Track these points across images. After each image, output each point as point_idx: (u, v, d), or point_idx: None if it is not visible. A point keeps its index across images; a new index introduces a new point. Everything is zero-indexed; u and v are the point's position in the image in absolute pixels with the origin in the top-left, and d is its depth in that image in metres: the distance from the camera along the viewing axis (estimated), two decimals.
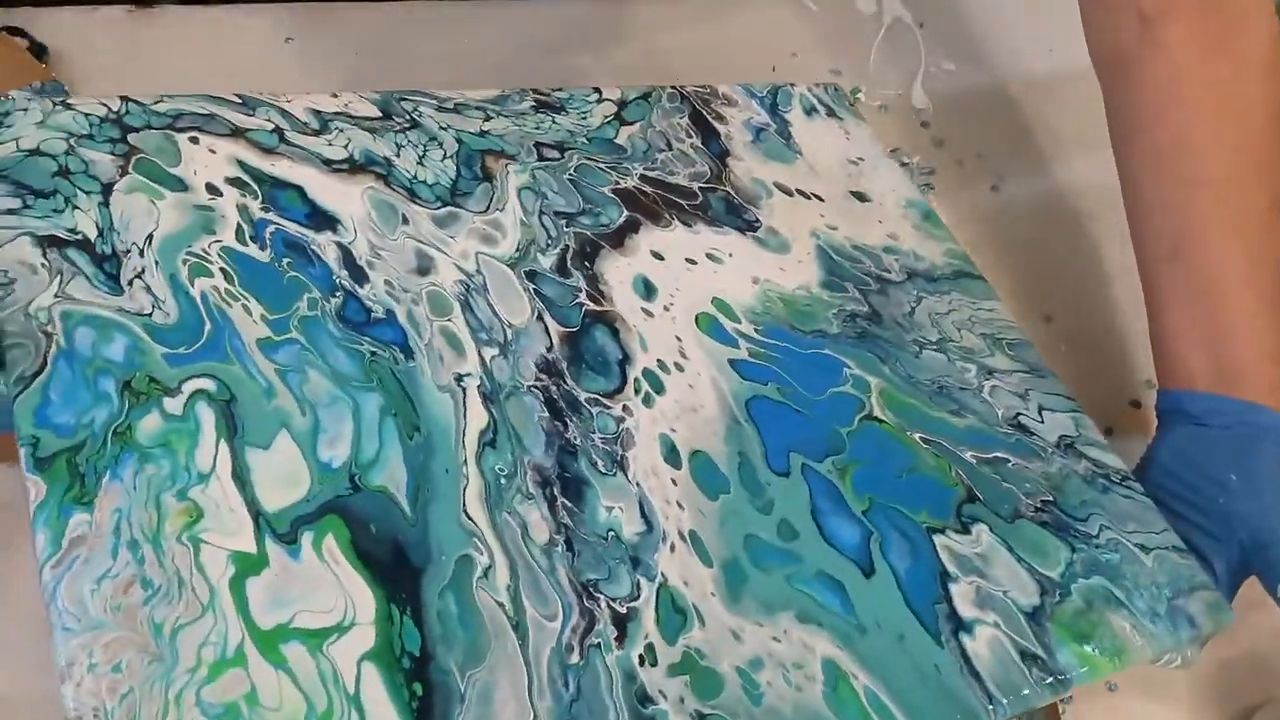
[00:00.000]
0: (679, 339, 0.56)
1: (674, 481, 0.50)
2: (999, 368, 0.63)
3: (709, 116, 0.68)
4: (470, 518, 0.47)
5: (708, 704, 0.44)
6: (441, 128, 0.61)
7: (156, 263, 0.51)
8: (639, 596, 0.46)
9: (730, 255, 0.61)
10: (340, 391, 0.49)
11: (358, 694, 0.41)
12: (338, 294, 0.52)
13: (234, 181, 0.55)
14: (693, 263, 0.60)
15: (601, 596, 0.46)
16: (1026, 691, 0.48)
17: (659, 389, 0.54)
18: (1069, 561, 0.54)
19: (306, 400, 0.48)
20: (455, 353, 0.52)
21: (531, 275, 0.56)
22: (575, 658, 0.44)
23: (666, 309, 0.57)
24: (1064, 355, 0.77)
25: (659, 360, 0.55)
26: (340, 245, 0.54)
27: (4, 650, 0.64)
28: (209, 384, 0.48)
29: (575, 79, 0.76)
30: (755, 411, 0.54)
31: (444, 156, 0.59)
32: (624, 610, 0.46)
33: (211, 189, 0.54)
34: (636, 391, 0.53)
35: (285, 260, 0.52)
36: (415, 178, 0.58)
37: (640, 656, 0.45)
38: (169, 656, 0.42)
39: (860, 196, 0.69)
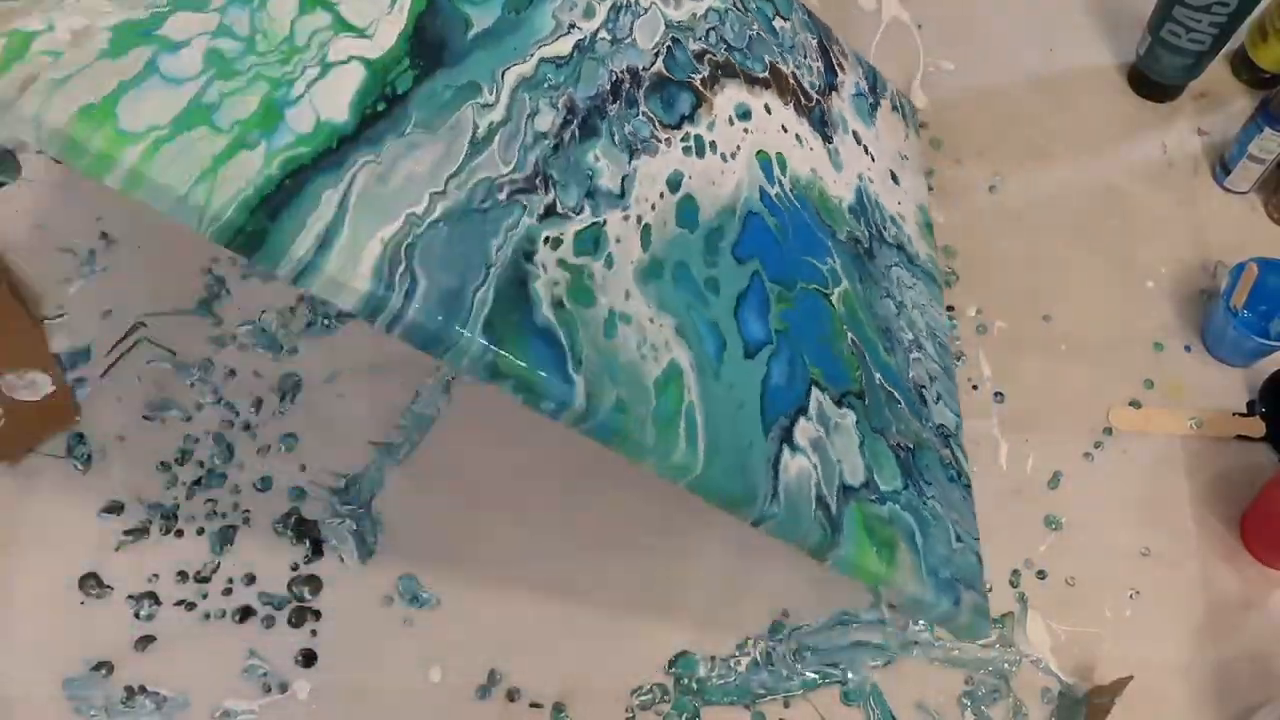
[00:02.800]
0: (738, 148, 0.63)
1: (660, 195, 0.57)
2: (927, 351, 0.69)
3: (832, 55, 0.78)
4: (502, 76, 0.53)
5: (572, 301, 0.48)
6: None
7: None
8: (579, 213, 0.52)
9: (810, 147, 0.70)
10: None
11: (329, 65, 0.46)
12: None
13: None
14: (784, 130, 0.68)
15: (554, 190, 0.51)
16: (804, 520, 0.52)
17: (700, 151, 0.60)
18: (898, 489, 0.59)
19: None
20: (584, 16, 0.59)
21: (676, 41, 0.63)
22: (502, 196, 0.49)
23: (746, 131, 0.64)
24: (1064, 355, 0.77)
25: (714, 141, 0.62)
26: None
27: (4, 650, 0.64)
28: None
29: None
30: (750, 220, 0.61)
31: None
32: (560, 210, 0.51)
33: None
34: (683, 140, 0.60)
35: None
36: None
37: (548, 237, 0.50)
38: None
39: (894, 178, 0.77)
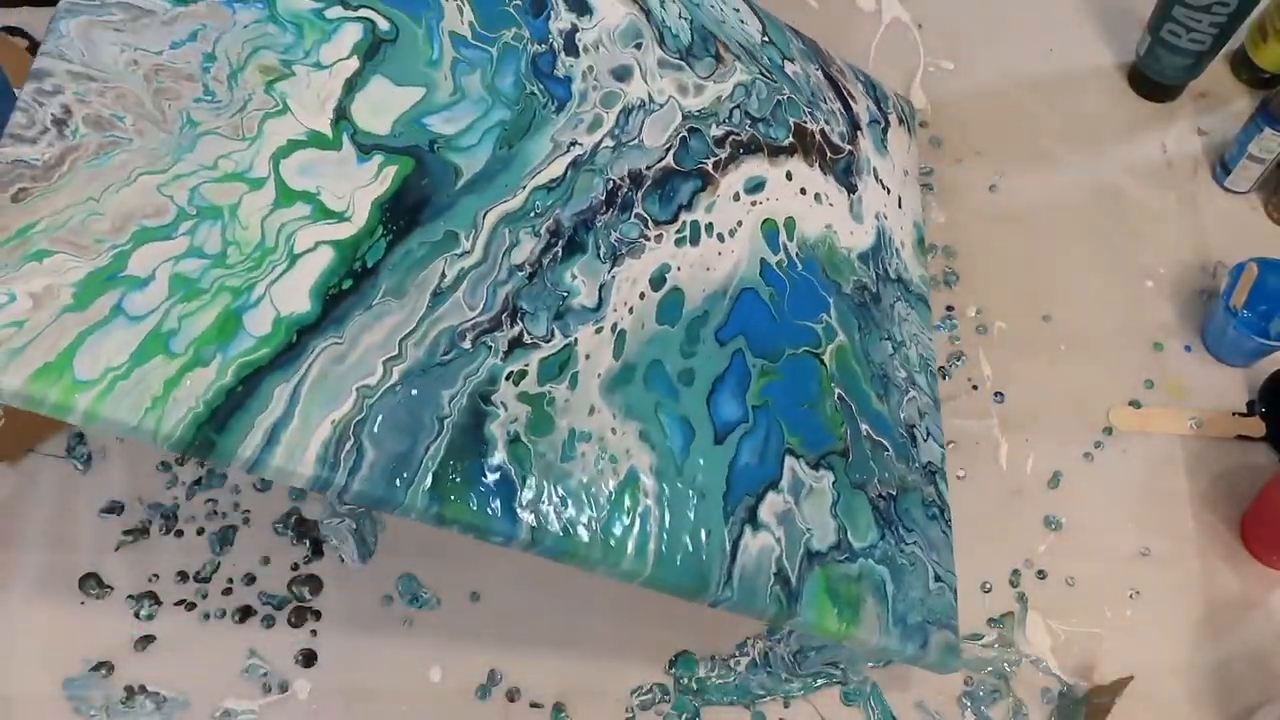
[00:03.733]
0: (739, 224, 0.65)
1: (642, 295, 0.59)
2: (919, 385, 0.70)
3: (840, 86, 0.78)
4: (484, 218, 0.55)
5: (529, 435, 0.51)
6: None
7: None
8: (547, 341, 0.54)
9: (831, 203, 0.71)
10: (486, 96, 0.59)
11: (296, 257, 0.49)
12: (544, 44, 0.62)
13: None
14: (803, 192, 0.70)
15: (521, 324, 0.54)
16: (759, 598, 0.55)
17: (695, 239, 0.62)
18: (874, 543, 0.61)
19: (458, 85, 0.58)
20: (588, 130, 0.61)
21: (693, 130, 0.65)
22: (466, 344, 0.51)
23: (753, 204, 0.66)
24: (1064, 355, 0.77)
25: (712, 224, 0.63)
26: (575, 26, 0.64)
27: (4, 650, 0.64)
28: (384, 23, 0.57)
29: None
30: (743, 296, 0.63)
31: (679, 16, 0.70)
32: (526, 340, 0.53)
33: None
34: (678, 231, 0.62)
35: (519, 2, 0.62)
36: (666, 24, 0.68)
37: (511, 373, 0.52)
38: (184, 144, 0.49)
39: (900, 203, 0.78)
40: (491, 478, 0.49)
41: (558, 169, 0.59)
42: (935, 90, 0.88)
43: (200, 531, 0.67)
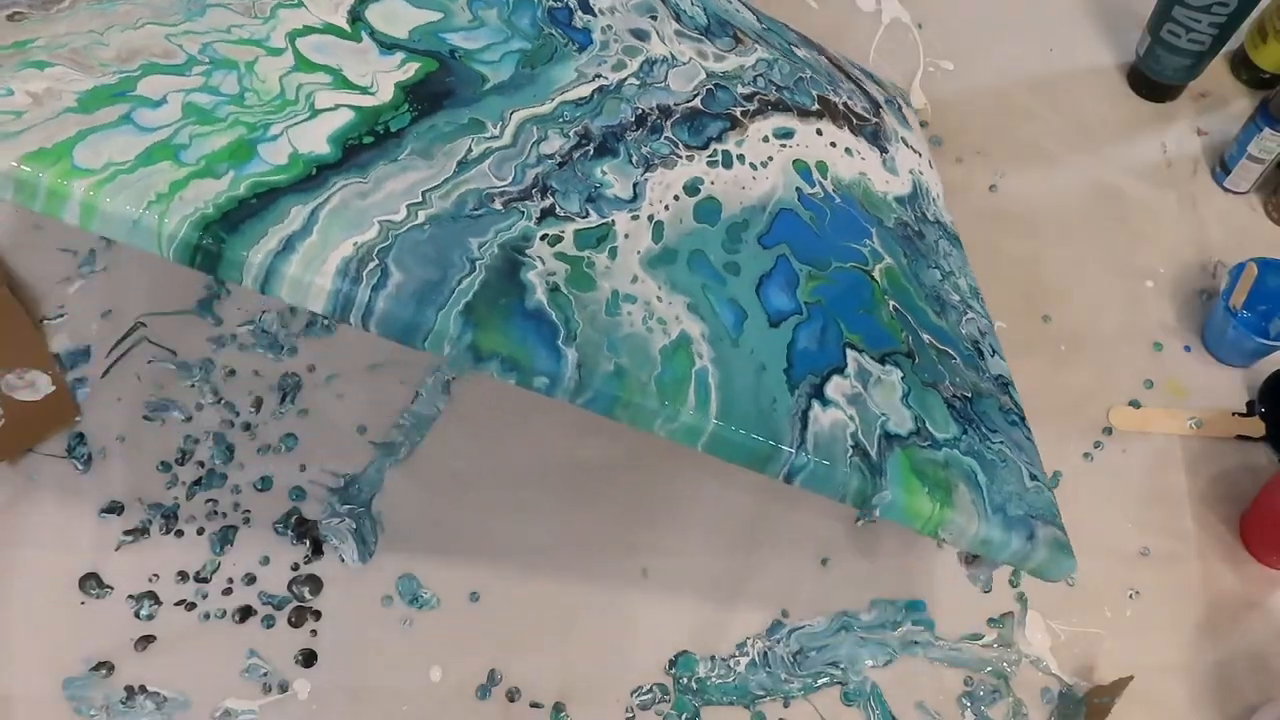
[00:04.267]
0: (770, 158, 0.64)
1: (676, 198, 0.57)
2: (974, 309, 0.69)
3: (849, 74, 0.79)
4: (512, 114, 0.54)
5: (569, 288, 0.48)
6: None
7: None
8: (583, 216, 0.51)
9: (863, 157, 0.71)
10: (504, 28, 0.58)
11: (317, 112, 0.47)
12: (560, 0, 0.61)
13: None
14: (833, 145, 0.69)
15: (552, 199, 0.51)
16: (839, 467, 0.50)
17: (727, 163, 0.61)
18: (955, 436, 0.56)
19: (476, 15, 0.57)
20: (612, 69, 0.60)
21: (719, 86, 0.65)
22: (496, 205, 0.49)
23: (782, 146, 0.65)
24: (1064, 355, 0.77)
25: (743, 155, 0.62)
26: None
27: (4, 650, 0.64)
28: None
29: None
30: (780, 215, 0.61)
31: (691, 2, 0.70)
32: (560, 212, 0.51)
33: None
34: (710, 155, 0.61)
35: None
36: (680, 6, 0.68)
37: (546, 235, 0.49)
38: (193, 9, 0.48)
39: (930, 165, 0.79)
40: (532, 313, 0.46)
41: (584, 91, 0.58)
42: (935, 90, 0.88)
43: (200, 531, 0.67)
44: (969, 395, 0.60)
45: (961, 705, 0.66)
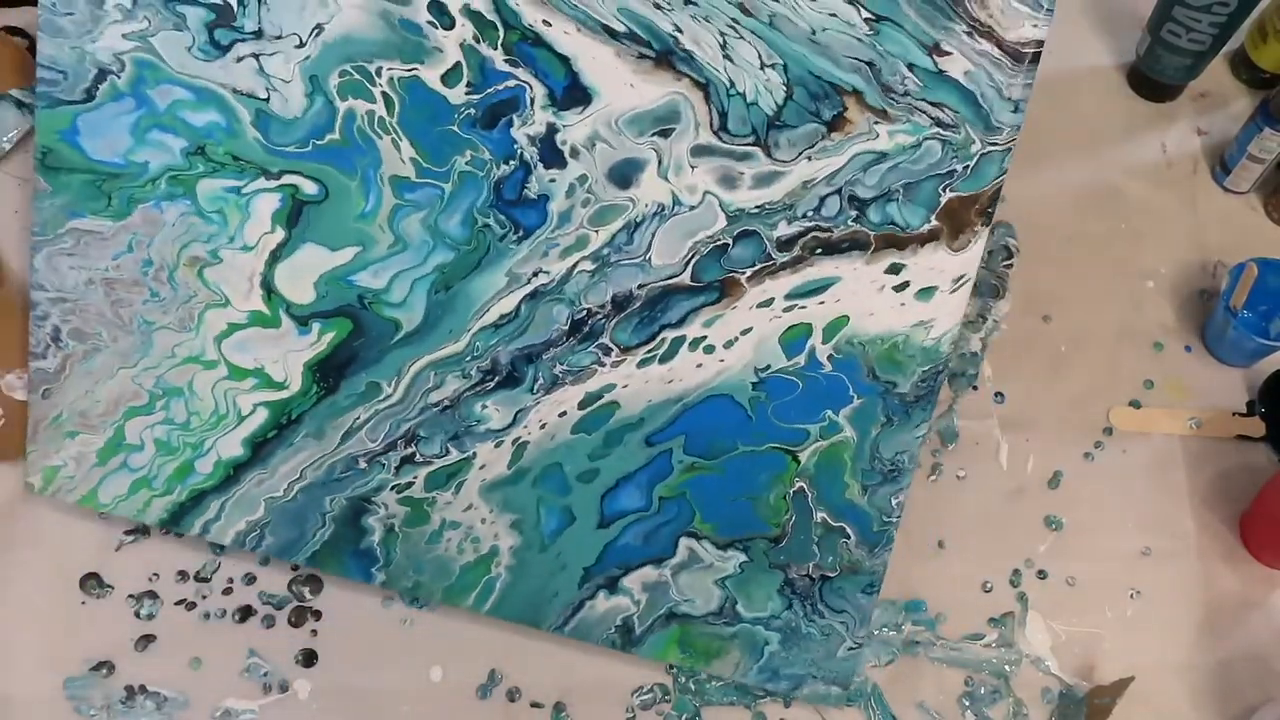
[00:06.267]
0: (743, 333, 0.55)
1: (562, 414, 0.57)
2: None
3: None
4: (410, 366, 0.58)
5: (403, 527, 0.60)
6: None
7: (307, 57, 0.55)
8: (440, 457, 0.59)
9: (901, 304, 0.56)
10: (428, 239, 0.57)
11: (243, 418, 0.61)
12: (510, 163, 0.54)
13: (475, 17, 0.53)
14: (881, 290, 0.55)
15: (414, 447, 0.59)
16: (593, 639, 0.59)
17: (668, 356, 0.56)
18: (772, 614, 0.61)
19: (399, 234, 0.57)
20: (562, 254, 0.55)
21: (742, 235, 0.53)
22: (361, 464, 0.59)
23: (785, 312, 0.55)
24: (1064, 355, 0.77)
25: (701, 338, 0.55)
26: (552, 124, 0.53)
27: (4, 650, 0.64)
28: (310, 185, 0.57)
29: None
30: (706, 403, 0.56)
31: (762, 64, 0.51)
32: (418, 458, 0.59)
33: (439, 10, 0.53)
34: (650, 351, 0.56)
35: (468, 112, 0.54)
36: (734, 93, 0.51)
37: (396, 485, 0.59)
38: (144, 342, 0.61)
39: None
40: (362, 552, 0.60)
41: (508, 305, 0.56)
42: None
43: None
44: (830, 575, 0.61)
45: (962, 705, 0.66)
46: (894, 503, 0.61)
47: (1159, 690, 0.66)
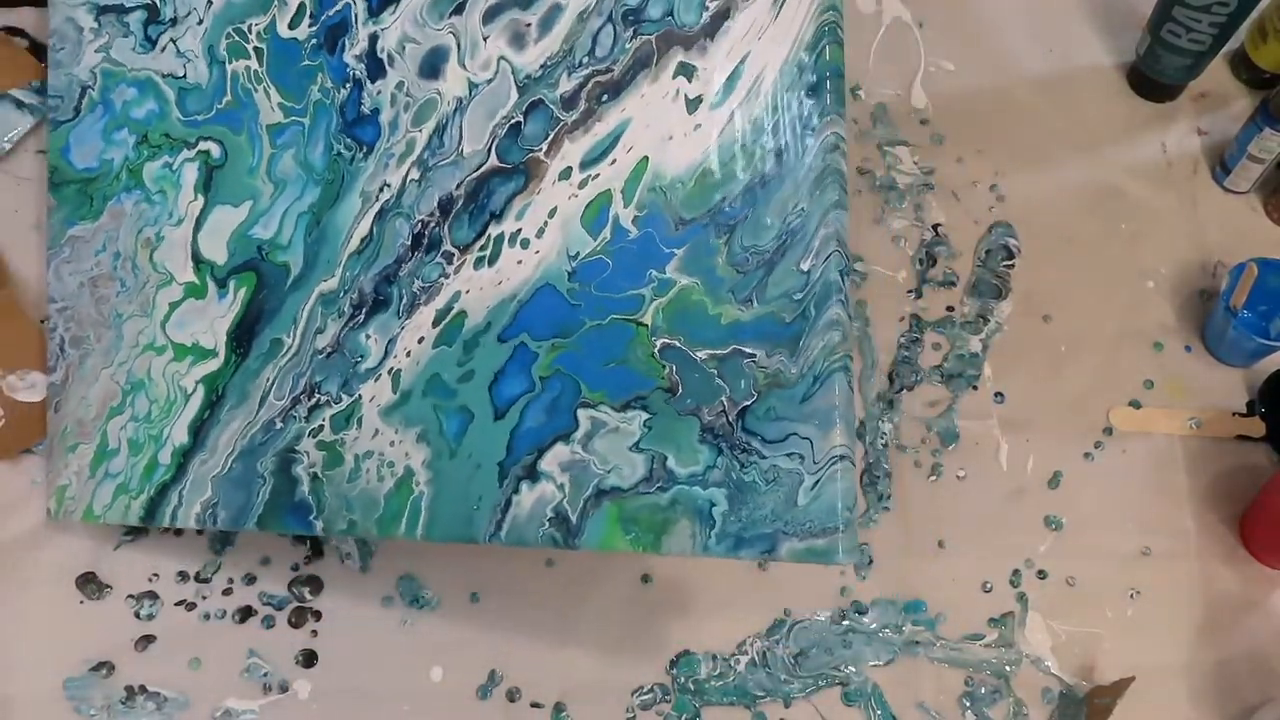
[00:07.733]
0: (550, 216, 0.58)
1: (420, 339, 0.60)
2: (826, 252, 0.56)
3: None
4: (304, 310, 0.61)
5: (324, 471, 0.60)
6: None
7: (205, 30, 0.64)
8: (338, 401, 0.61)
9: (697, 125, 0.57)
10: (302, 175, 0.62)
11: (188, 398, 0.63)
12: (347, 85, 0.61)
13: None
14: (673, 99, 0.57)
15: (317, 395, 0.61)
16: (529, 540, 0.56)
17: (495, 259, 0.59)
18: (704, 468, 0.55)
19: (277, 180, 0.62)
20: (398, 163, 0.60)
21: (532, 106, 0.58)
22: (278, 425, 0.61)
23: (585, 182, 0.57)
24: (1064, 355, 0.77)
25: (517, 232, 0.59)
26: (373, 35, 0.60)
27: (4, 650, 0.64)
28: (215, 148, 0.64)
29: None
30: (536, 298, 0.58)
31: None
32: (322, 401, 0.61)
33: None
34: (481, 250, 0.59)
35: (313, 43, 0.62)
36: None
37: (311, 429, 0.61)
38: (119, 335, 0.65)
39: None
40: (298, 505, 0.61)
41: (365, 227, 0.61)
42: (936, 90, 0.88)
43: (200, 531, 0.67)
44: (747, 404, 0.55)
45: (962, 705, 0.66)
46: (805, 273, 0.55)
47: (1159, 690, 0.66)
